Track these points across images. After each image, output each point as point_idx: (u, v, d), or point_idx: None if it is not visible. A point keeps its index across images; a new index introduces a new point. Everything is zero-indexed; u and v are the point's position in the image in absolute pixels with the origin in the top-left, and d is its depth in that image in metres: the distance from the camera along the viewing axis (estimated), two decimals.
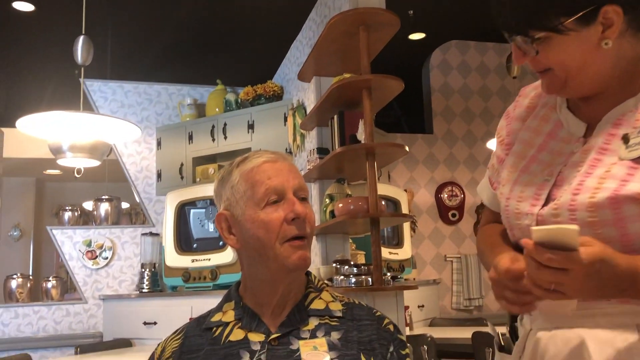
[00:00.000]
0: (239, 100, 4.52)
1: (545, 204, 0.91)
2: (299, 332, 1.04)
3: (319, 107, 2.96)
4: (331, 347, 1.02)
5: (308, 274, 1.16)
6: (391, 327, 1.10)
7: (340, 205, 2.65)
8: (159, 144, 4.66)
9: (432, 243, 5.12)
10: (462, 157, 5.34)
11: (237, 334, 1.05)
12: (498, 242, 1.02)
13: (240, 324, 1.07)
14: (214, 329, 1.08)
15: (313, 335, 1.04)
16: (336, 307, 1.10)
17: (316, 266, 3.13)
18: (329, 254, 3.13)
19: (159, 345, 1.13)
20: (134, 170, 4.76)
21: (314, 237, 3.30)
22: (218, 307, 1.13)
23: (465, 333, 3.60)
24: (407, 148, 2.65)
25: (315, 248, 3.28)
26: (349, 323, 1.07)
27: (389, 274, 2.70)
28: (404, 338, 1.10)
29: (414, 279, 4.65)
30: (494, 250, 0.98)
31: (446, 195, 5.18)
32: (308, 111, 3.38)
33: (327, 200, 2.93)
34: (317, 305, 1.09)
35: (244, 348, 1.03)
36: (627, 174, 0.81)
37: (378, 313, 1.12)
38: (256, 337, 1.04)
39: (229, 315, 1.09)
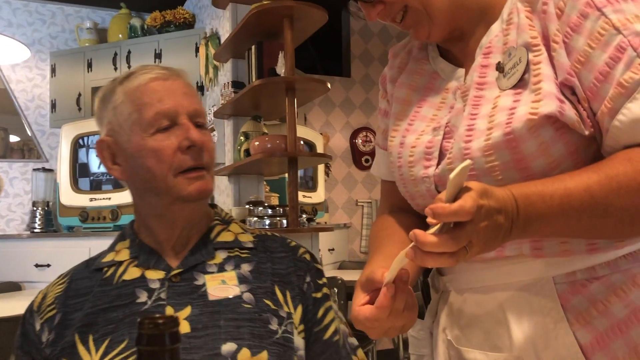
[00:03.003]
0: (146, 27, 4.14)
1: (439, 161, 0.81)
2: (205, 267, 0.93)
3: (235, 36, 2.73)
4: (242, 279, 0.92)
5: (214, 206, 1.04)
6: (307, 257, 1.01)
7: (257, 143, 2.49)
8: (53, 70, 4.20)
9: (344, 187, 5.10)
10: (378, 102, 5.30)
11: (133, 273, 0.92)
12: (374, 251, 0.89)
13: (136, 262, 0.93)
14: (105, 269, 0.94)
15: (221, 269, 0.93)
16: (246, 239, 0.99)
17: (228, 207, 2.98)
18: (242, 195, 2.98)
19: (39, 292, 0.97)
20: (24, 99, 4.28)
21: (226, 178, 3.13)
22: (110, 247, 0.98)
23: None
24: (329, 85, 2.50)
25: (228, 189, 3.11)
26: (261, 255, 0.97)
27: (304, 215, 2.61)
28: (320, 267, 1.01)
29: (326, 222, 4.63)
30: (368, 262, 0.87)
31: (360, 141, 5.14)
32: (222, 41, 3.12)
33: (242, 138, 2.75)
34: (225, 237, 0.98)
35: (140, 287, 0.90)
36: (513, 102, 0.73)
37: (293, 243, 1.02)
38: (155, 275, 0.91)
39: (123, 254, 0.95)
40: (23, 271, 3.67)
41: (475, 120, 0.76)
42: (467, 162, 0.61)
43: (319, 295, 0.97)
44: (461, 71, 0.85)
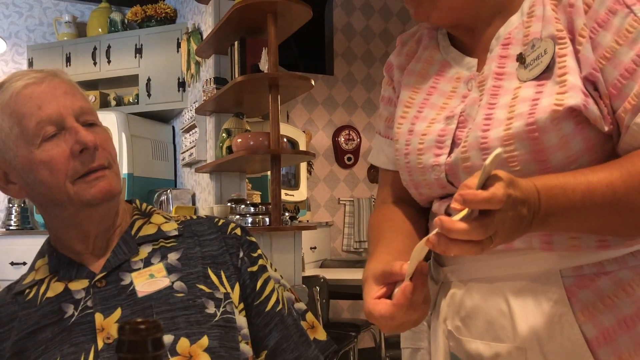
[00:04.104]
0: (126, 21, 4.07)
1: (451, 150, 0.80)
2: (130, 265, 0.89)
3: (217, 31, 2.69)
4: (171, 269, 0.88)
5: (132, 201, 0.99)
6: (238, 231, 0.97)
7: (239, 140, 2.46)
8: (30, 64, 4.10)
9: (327, 186, 5.08)
10: (361, 100, 5.29)
11: (55, 288, 0.87)
12: (377, 242, 0.87)
13: (57, 277, 0.88)
14: (27, 291, 0.88)
15: (148, 264, 0.89)
16: (170, 227, 0.95)
17: (209, 205, 2.94)
18: (223, 193, 2.94)
19: None
20: None
21: (208, 175, 3.09)
22: (30, 267, 0.93)
23: (356, 274, 3.63)
24: (312, 82, 2.48)
25: (209, 186, 3.08)
26: (188, 240, 0.93)
27: (287, 213, 2.59)
28: (253, 239, 0.98)
29: (308, 221, 4.61)
30: (372, 253, 0.84)
31: (343, 139, 5.13)
32: (205, 37, 3.08)
33: (224, 135, 2.72)
34: (147, 230, 0.94)
35: (65, 301, 0.85)
36: (535, 93, 0.73)
37: (221, 222, 0.98)
38: (78, 285, 0.87)
39: (43, 272, 0.90)
40: None
41: (494, 110, 0.75)
42: (499, 149, 0.60)
43: (254, 268, 0.94)
44: (473, 61, 0.84)
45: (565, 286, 0.73)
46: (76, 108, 0.85)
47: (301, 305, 0.98)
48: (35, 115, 0.83)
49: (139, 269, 0.88)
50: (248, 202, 2.62)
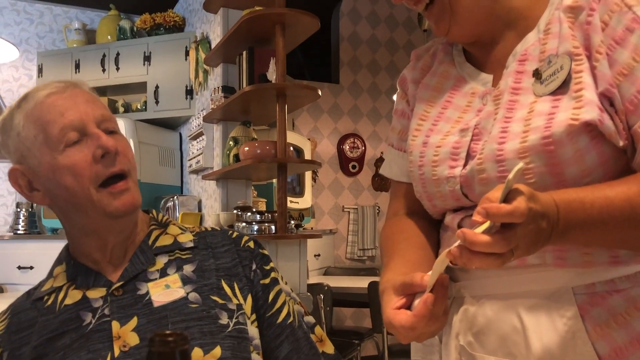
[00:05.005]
0: (135, 29, 4.12)
1: (466, 162, 0.81)
2: (147, 275, 0.91)
3: (226, 41, 2.73)
4: (185, 281, 0.91)
5: (148, 211, 1.02)
6: (251, 244, 1.00)
7: (247, 148, 2.49)
8: (40, 70, 4.15)
9: (331, 193, 5.10)
10: (366, 109, 5.33)
11: (74, 296, 0.89)
12: (392, 254, 0.89)
13: (75, 285, 0.91)
14: (46, 297, 0.91)
15: (164, 274, 0.91)
16: (186, 239, 0.98)
17: (216, 212, 2.97)
18: (229, 200, 2.97)
19: None
20: (10, 99, 4.23)
21: (214, 182, 3.12)
22: (49, 274, 0.96)
23: (359, 282, 3.64)
24: (319, 92, 2.52)
25: (215, 194, 3.11)
26: (203, 252, 0.96)
27: (292, 221, 2.61)
28: (266, 252, 1.01)
29: (312, 228, 4.63)
30: (387, 265, 0.87)
31: (348, 147, 5.16)
32: (213, 46, 3.12)
33: (231, 144, 2.75)
34: (164, 241, 0.96)
35: (83, 309, 0.87)
36: (551, 107, 0.74)
37: (235, 234, 1.01)
38: (96, 293, 0.89)
39: (61, 279, 0.93)
40: (5, 273, 3.62)
41: (510, 123, 0.77)
42: (521, 164, 0.62)
43: (267, 281, 0.97)
44: (489, 77, 0.86)
45: (577, 303, 0.74)
46: (97, 115, 0.89)
47: (310, 319, 1.00)
48: (58, 122, 0.86)
49: (155, 279, 0.90)
50: (254, 210, 2.64)
